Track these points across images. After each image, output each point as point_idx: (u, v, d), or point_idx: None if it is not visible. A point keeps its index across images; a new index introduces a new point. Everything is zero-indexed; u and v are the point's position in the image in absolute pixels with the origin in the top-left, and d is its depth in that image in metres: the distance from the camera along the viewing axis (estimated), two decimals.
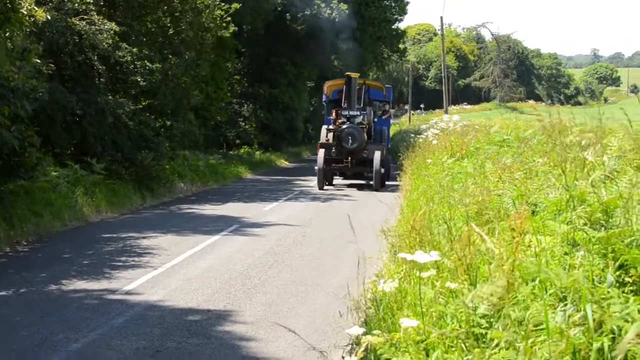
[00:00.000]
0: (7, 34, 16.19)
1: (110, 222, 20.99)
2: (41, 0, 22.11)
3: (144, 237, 17.57)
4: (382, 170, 31.19)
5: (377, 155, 30.77)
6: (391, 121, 45.29)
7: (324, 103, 39.10)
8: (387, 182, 32.15)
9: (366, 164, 31.41)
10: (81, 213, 20.90)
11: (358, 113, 31.76)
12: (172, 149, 30.39)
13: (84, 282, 12.73)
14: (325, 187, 32.02)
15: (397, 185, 26.66)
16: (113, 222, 20.82)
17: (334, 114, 32.66)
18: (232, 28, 38.00)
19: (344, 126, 31.22)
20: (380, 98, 37.08)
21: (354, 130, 30.97)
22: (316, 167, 31.52)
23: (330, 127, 32.52)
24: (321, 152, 31.47)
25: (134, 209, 23.91)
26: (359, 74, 34.65)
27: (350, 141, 30.80)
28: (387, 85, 39.86)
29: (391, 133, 46.73)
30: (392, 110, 44.69)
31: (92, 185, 22.72)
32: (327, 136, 32.73)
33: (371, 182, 31.16)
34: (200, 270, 13.66)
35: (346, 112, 31.69)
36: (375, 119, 35.04)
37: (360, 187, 32.15)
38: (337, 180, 34.60)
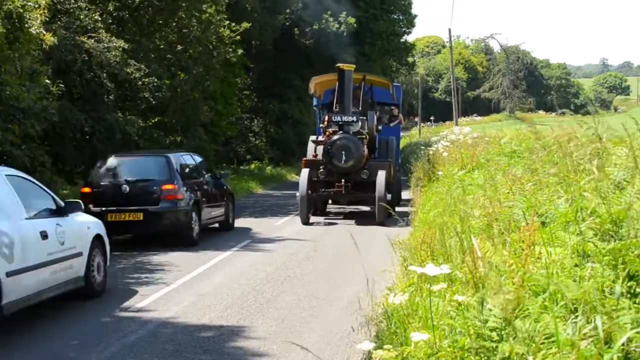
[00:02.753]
0: (16, 55, 16.27)
1: (121, 239, 20.98)
2: (50, 19, 22.23)
3: (155, 254, 17.60)
4: (389, 195, 24.26)
5: (382, 176, 23.10)
6: (401, 130, 37.00)
7: (314, 108, 32.38)
8: (397, 208, 23.67)
9: (366, 187, 23.69)
10: None
11: (354, 119, 23.76)
12: None
13: (95, 299, 12.75)
14: (314, 219, 24.72)
15: (408, 214, 20.28)
16: (124, 240, 20.82)
17: (325, 122, 25.02)
18: (240, 51, 38.10)
19: (336, 137, 23.42)
20: (387, 99, 29.31)
21: (348, 142, 23.18)
22: (297, 195, 23.74)
23: (320, 138, 24.96)
24: (304, 174, 23.84)
25: None
26: (354, 66, 25.95)
27: (343, 157, 23.04)
28: (395, 84, 32.75)
29: (401, 145, 41.16)
30: (401, 116, 33.03)
31: None
32: (315, 151, 24.82)
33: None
34: (213, 287, 13.68)
35: (338, 118, 23.82)
36: (380, 127, 27.23)
37: (362, 217, 24.98)
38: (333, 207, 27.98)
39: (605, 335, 4.36)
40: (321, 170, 23.79)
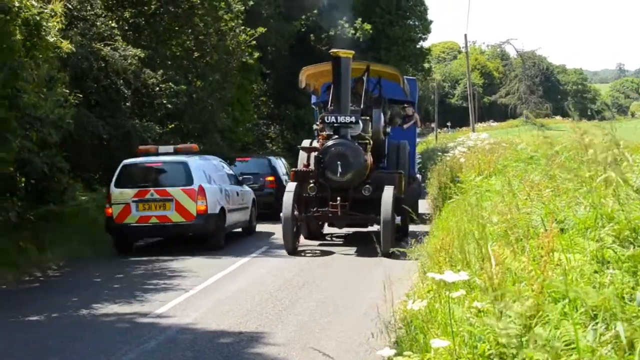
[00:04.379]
0: (33, 63, 16.38)
1: (140, 245, 21.10)
2: (66, 26, 22.34)
3: (174, 260, 17.69)
4: (398, 218, 18.46)
5: (389, 192, 18.17)
6: (418, 132, 31.18)
7: (313, 107, 26.48)
8: (413, 227, 20.25)
9: (369, 207, 18.79)
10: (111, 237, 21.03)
11: (353, 119, 18.63)
12: None
13: (115, 305, 12.83)
14: (305, 244, 20.45)
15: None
16: (143, 246, 20.94)
17: (319, 123, 20.02)
18: (257, 54, 38.20)
19: (330, 143, 18.54)
20: (399, 96, 23.37)
21: (345, 149, 18.29)
22: (282, 215, 18.58)
23: (315, 143, 20.20)
24: (290, 189, 18.94)
25: None
26: (353, 52, 20.27)
27: (339, 169, 18.16)
28: (408, 77, 28.07)
29: (418, 151, 35.47)
30: (417, 116, 27.34)
31: None
32: (307, 160, 20.06)
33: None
34: (231, 292, 13.72)
35: (332, 119, 18.67)
36: (389, 129, 21.91)
37: (366, 244, 18.23)
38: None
39: (627, 342, 4.37)
40: (311, 185, 18.96)
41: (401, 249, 11.01)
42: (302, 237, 20.50)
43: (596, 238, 6.36)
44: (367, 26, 50.44)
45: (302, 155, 20.46)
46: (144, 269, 16.78)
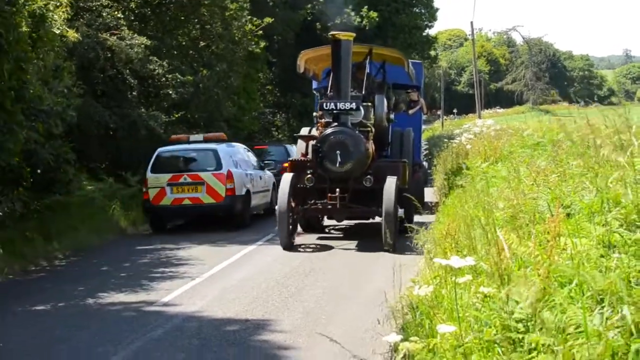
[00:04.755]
0: (40, 55, 16.37)
1: (146, 234, 21.14)
2: (72, 17, 22.33)
3: (180, 249, 17.69)
4: (402, 210, 17.42)
5: (391, 183, 16.79)
6: (424, 119, 28.35)
7: (314, 93, 24.78)
8: (418, 218, 17.69)
9: (370, 199, 17.46)
10: (118, 226, 21.12)
11: (354, 106, 17.28)
12: None
13: (121, 294, 12.83)
14: (304, 238, 19.13)
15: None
16: (149, 235, 20.97)
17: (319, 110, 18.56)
18: (264, 43, 38.18)
19: (328, 130, 17.33)
20: (404, 81, 21.99)
21: (345, 137, 17.08)
22: (276, 208, 17.38)
23: (314, 131, 18.91)
24: (286, 180, 17.52)
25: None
26: (354, 34, 18.64)
27: (338, 158, 16.89)
28: (413, 61, 26.49)
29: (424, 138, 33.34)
30: (423, 101, 25.24)
31: (127, 199, 22.91)
32: (305, 149, 18.87)
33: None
34: (237, 280, 13.71)
35: (332, 105, 17.33)
36: (392, 115, 20.44)
37: (370, 237, 18.27)
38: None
39: (634, 326, 4.36)
40: (309, 176, 17.63)
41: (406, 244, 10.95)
42: (301, 229, 19.77)
43: (602, 222, 6.34)
44: (374, 14, 50.43)
45: (300, 144, 19.66)
46: (150, 257, 16.79)
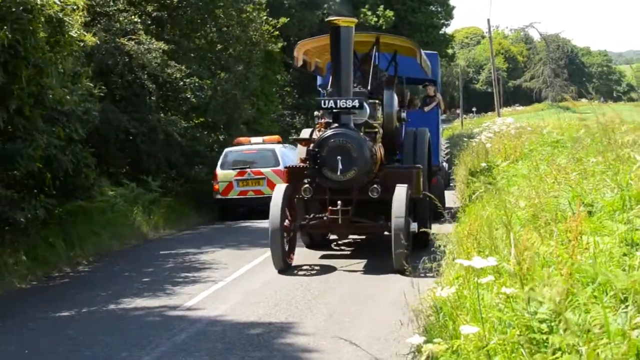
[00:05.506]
0: (58, 60, 16.41)
1: (168, 239, 21.20)
2: (90, 22, 22.41)
3: (202, 253, 17.74)
4: (414, 225, 14.52)
5: (401, 193, 14.14)
6: (443, 118, 27.30)
7: (319, 89, 21.09)
8: (436, 227, 15.74)
9: (378, 212, 14.86)
10: (139, 231, 21.18)
11: (357, 103, 14.36)
12: None
13: (144, 299, 12.86)
14: (302, 256, 16.44)
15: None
16: (171, 239, 21.03)
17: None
18: (281, 43, 38.23)
19: (328, 132, 14.58)
20: (418, 74, 19.23)
21: (347, 140, 14.27)
22: (268, 225, 14.67)
23: (315, 134, 15.50)
24: (279, 191, 14.95)
25: (191, 225, 24.20)
26: (355, 20, 15.53)
27: (340, 165, 14.17)
28: (428, 52, 21.03)
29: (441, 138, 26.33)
30: (440, 97, 22.14)
31: (149, 204, 23.00)
32: (306, 155, 15.07)
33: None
34: (260, 284, 13.72)
35: (331, 103, 14.42)
36: (404, 114, 17.28)
37: (379, 257, 15.55)
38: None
39: None
40: (305, 186, 14.89)
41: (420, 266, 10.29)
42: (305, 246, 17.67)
43: (624, 220, 6.33)
44: (389, 13, 50.36)
45: (300, 149, 17.08)
46: (173, 262, 16.83)
